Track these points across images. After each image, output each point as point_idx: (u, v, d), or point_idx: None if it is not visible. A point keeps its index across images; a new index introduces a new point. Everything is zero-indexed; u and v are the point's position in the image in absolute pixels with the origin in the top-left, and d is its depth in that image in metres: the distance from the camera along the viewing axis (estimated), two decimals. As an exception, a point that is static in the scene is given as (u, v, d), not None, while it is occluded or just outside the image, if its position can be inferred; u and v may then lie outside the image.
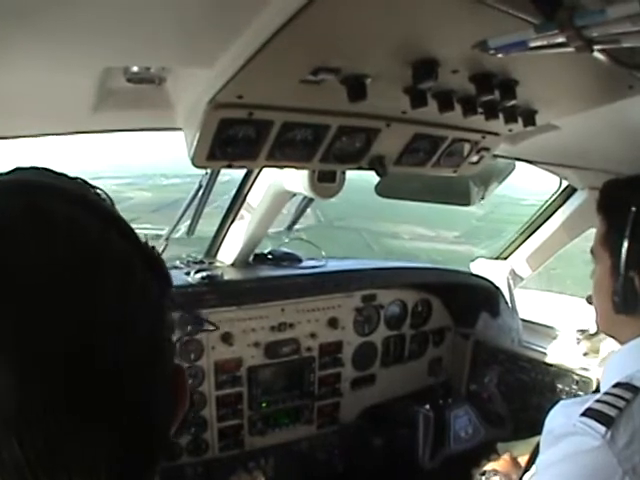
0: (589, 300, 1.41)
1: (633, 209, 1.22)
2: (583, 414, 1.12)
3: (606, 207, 1.36)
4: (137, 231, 0.53)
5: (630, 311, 1.26)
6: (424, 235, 11.73)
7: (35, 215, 0.46)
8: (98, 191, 0.56)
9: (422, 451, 2.57)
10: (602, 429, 1.07)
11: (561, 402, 1.29)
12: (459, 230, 11.75)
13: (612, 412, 1.10)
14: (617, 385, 1.16)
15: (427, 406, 2.59)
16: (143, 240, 0.54)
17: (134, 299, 0.48)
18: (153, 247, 0.55)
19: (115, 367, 0.45)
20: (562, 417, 1.21)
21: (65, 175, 0.54)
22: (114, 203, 0.56)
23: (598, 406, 1.12)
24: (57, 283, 0.43)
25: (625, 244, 1.23)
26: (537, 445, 1.34)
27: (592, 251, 1.37)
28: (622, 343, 1.32)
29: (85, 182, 0.56)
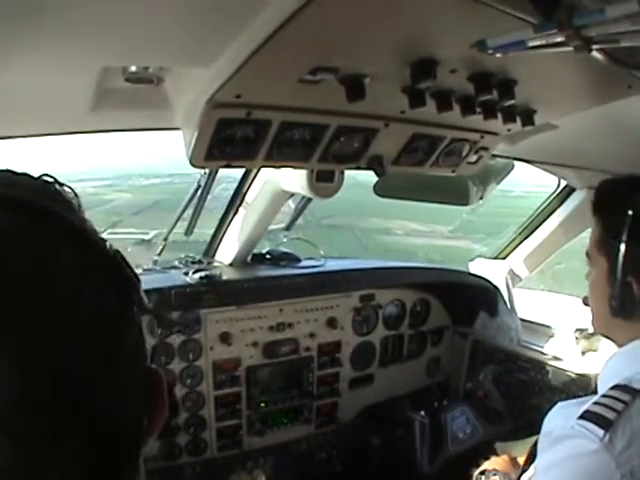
0: (585, 301, 1.40)
1: (630, 212, 1.20)
2: (581, 417, 1.12)
3: (601, 209, 1.33)
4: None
5: (627, 315, 1.25)
6: (418, 230, 11.49)
7: None
8: (66, 189, 0.54)
9: (420, 455, 2.57)
10: (600, 432, 1.07)
11: (559, 404, 1.29)
12: (451, 224, 11.58)
13: (610, 415, 1.09)
14: (615, 387, 1.16)
15: (422, 412, 2.59)
16: (105, 245, 0.52)
17: (85, 305, 0.47)
18: (117, 252, 0.53)
19: (68, 377, 0.44)
20: (560, 419, 1.20)
21: (27, 175, 0.53)
22: (80, 203, 0.55)
23: (596, 409, 1.12)
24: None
25: (622, 248, 1.21)
26: (535, 444, 1.34)
27: (587, 253, 1.36)
28: (619, 345, 1.31)
29: (53, 180, 0.54)
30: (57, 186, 0.54)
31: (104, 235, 0.54)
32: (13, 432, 0.41)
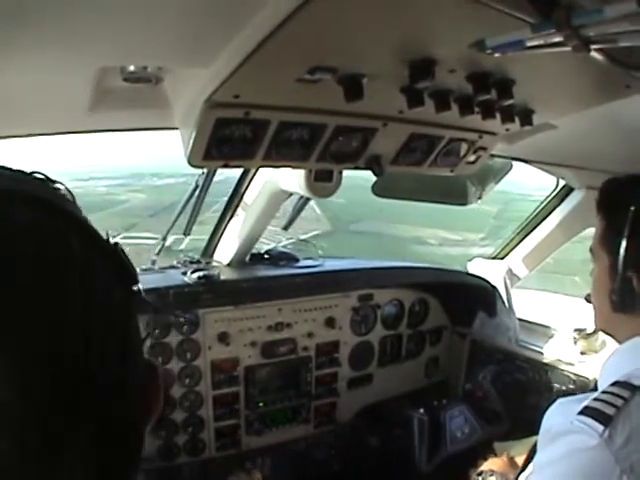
0: (588, 299, 1.41)
1: (632, 208, 1.22)
2: (581, 412, 1.12)
3: (605, 206, 1.35)
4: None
5: (628, 310, 1.26)
6: (450, 239, 11.04)
7: None
8: (59, 186, 0.54)
9: (419, 454, 2.57)
10: (600, 428, 1.07)
11: (559, 400, 1.29)
12: (481, 231, 11.20)
13: (610, 411, 1.09)
14: (615, 384, 1.16)
15: (422, 410, 2.59)
16: (106, 239, 0.53)
17: (96, 301, 0.47)
18: (116, 244, 0.53)
19: (82, 367, 0.44)
20: (560, 415, 1.21)
21: (22, 172, 0.53)
22: (75, 198, 0.55)
23: (596, 405, 1.12)
24: (18, 287, 0.42)
25: (623, 243, 1.23)
26: (534, 444, 1.34)
27: (591, 250, 1.37)
28: (620, 342, 1.32)
29: (45, 177, 0.54)
30: (49, 182, 0.54)
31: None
32: (23, 436, 0.41)
